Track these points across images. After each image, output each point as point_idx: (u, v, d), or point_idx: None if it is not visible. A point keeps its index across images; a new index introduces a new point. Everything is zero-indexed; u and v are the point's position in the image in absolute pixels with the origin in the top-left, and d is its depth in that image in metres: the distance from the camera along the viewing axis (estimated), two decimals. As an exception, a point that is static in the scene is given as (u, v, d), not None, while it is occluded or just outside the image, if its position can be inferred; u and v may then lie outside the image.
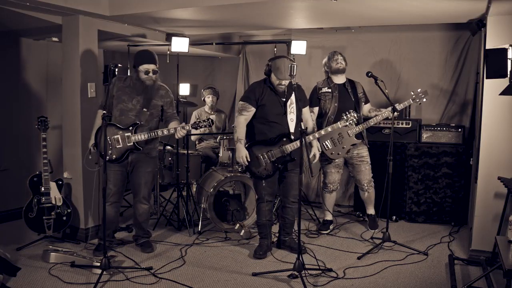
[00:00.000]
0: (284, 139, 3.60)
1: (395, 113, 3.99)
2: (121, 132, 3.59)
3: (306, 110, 3.84)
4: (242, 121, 3.63)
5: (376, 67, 5.09)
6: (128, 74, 5.47)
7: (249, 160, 3.58)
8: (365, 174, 4.34)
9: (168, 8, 3.74)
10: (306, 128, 3.56)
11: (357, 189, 4.73)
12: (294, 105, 3.62)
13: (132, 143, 3.60)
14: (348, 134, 4.18)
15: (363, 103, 4.32)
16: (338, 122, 3.78)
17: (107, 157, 3.48)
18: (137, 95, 3.66)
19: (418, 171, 4.61)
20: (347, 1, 3.41)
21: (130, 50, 5.19)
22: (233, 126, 3.80)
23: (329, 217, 4.54)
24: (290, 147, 3.58)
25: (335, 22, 4.56)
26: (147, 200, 3.87)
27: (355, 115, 3.66)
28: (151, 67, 3.60)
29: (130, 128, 3.61)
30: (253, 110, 3.63)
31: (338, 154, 4.26)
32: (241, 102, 3.67)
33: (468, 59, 4.78)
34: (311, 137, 3.68)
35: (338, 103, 4.20)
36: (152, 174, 3.87)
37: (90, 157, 3.69)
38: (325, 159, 4.31)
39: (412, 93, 4.05)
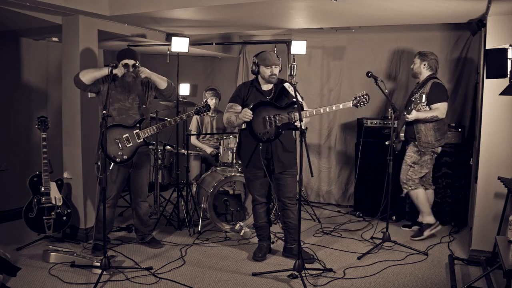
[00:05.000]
0: (295, 106, 3.41)
1: (395, 114, 3.98)
2: (128, 130, 3.61)
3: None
4: (227, 114, 3.60)
5: (376, 67, 5.09)
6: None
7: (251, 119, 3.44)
8: (402, 173, 4.17)
9: (168, 8, 3.74)
10: (306, 128, 3.52)
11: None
12: (292, 88, 3.45)
13: (142, 139, 3.63)
14: None
15: (416, 104, 3.94)
16: (351, 101, 3.49)
17: (118, 159, 3.55)
18: (131, 93, 3.69)
19: (418, 171, 4.60)
20: (347, 1, 3.41)
21: (130, 50, 5.19)
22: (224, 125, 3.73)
23: (427, 219, 4.15)
24: (298, 115, 3.32)
25: (335, 22, 4.55)
26: (146, 198, 3.98)
27: (367, 97, 3.45)
28: (130, 62, 3.63)
29: (137, 125, 3.64)
30: (240, 108, 3.60)
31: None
32: (228, 104, 3.67)
33: (468, 59, 4.78)
34: (314, 112, 3.46)
35: (407, 101, 4.21)
36: (149, 172, 3.97)
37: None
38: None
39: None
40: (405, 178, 4.15)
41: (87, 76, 3.51)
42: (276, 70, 3.54)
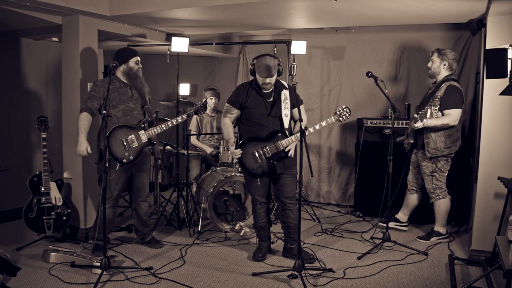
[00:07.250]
0: (279, 134, 3.51)
1: (395, 114, 3.98)
2: (134, 131, 3.62)
3: (295, 111, 3.62)
4: (227, 122, 3.64)
5: (376, 67, 5.09)
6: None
7: (242, 157, 3.53)
8: (426, 183, 4.09)
9: (168, 8, 3.75)
10: (306, 127, 3.52)
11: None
12: (288, 100, 3.54)
13: (146, 140, 3.65)
14: None
15: (432, 106, 3.77)
16: (332, 117, 3.55)
17: (124, 160, 3.55)
18: (133, 93, 3.70)
19: (418, 171, 4.60)
20: (347, 1, 3.41)
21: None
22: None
23: (440, 229, 4.12)
24: (285, 142, 3.48)
25: (335, 22, 4.56)
26: (146, 197, 3.98)
27: (348, 110, 3.49)
28: (139, 58, 3.71)
29: (142, 125, 3.65)
30: (236, 111, 3.61)
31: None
32: (226, 104, 3.67)
33: (468, 59, 4.78)
34: (298, 135, 3.46)
35: (420, 102, 4.14)
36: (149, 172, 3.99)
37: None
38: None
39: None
40: (432, 187, 4.04)
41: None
42: (269, 81, 3.50)
